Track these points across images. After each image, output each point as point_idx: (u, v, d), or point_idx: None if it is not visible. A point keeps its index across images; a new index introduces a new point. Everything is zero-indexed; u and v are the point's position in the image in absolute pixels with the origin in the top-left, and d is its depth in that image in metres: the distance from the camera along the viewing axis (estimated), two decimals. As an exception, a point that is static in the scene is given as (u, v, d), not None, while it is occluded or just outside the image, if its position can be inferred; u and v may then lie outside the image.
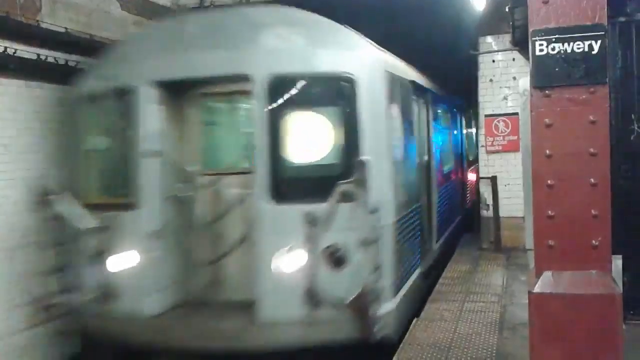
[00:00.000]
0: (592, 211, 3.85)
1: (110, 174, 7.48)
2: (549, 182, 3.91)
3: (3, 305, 7.47)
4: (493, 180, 11.77)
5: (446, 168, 12.41)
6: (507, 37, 11.58)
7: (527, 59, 4.51)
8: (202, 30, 6.95)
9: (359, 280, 6.02)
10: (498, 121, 11.85)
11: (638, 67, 6.24)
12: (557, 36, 3.89)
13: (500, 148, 11.90)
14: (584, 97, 3.88)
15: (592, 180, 3.85)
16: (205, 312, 6.82)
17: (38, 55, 7.85)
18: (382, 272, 6.27)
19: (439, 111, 11.87)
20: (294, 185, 6.62)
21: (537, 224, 3.99)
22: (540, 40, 3.93)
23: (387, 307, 6.51)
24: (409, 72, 8.89)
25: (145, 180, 6.86)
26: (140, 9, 10.02)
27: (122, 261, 6.79)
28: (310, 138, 6.67)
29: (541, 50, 3.93)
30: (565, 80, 3.90)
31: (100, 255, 6.76)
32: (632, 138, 6.29)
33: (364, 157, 6.14)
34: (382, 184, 6.53)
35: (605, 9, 3.86)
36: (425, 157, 9.63)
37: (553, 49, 3.91)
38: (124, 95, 7.01)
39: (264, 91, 6.48)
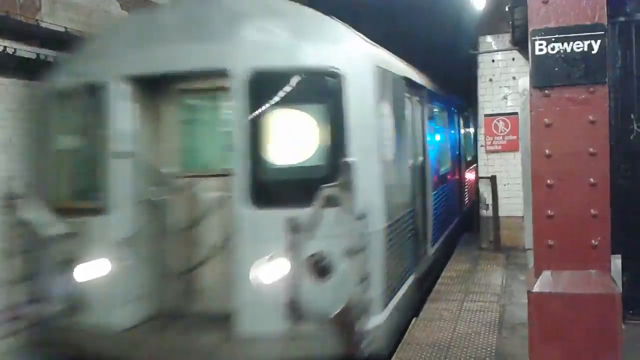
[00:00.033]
0: (592, 211, 3.86)
1: (80, 177, 6.99)
2: (548, 181, 3.92)
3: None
4: (492, 179, 11.79)
5: (443, 169, 12.01)
6: (507, 37, 11.58)
7: (527, 58, 4.52)
8: (178, 22, 6.53)
9: (345, 291, 5.66)
10: (498, 121, 11.87)
11: (637, 67, 6.25)
12: (556, 36, 3.90)
13: (500, 148, 11.92)
14: (583, 96, 3.88)
15: (592, 180, 3.86)
16: (180, 325, 6.41)
17: (37, 55, 7.84)
18: (371, 283, 5.87)
19: (436, 110, 11.47)
20: (275, 188, 6.24)
21: (537, 223, 3.99)
22: (539, 39, 3.93)
23: (376, 320, 6.07)
24: (402, 68, 8.45)
25: (116, 183, 6.45)
26: (140, 8, 10.01)
27: (91, 270, 6.38)
28: (293, 138, 6.27)
29: (541, 49, 3.94)
30: (564, 80, 3.90)
31: (68, 264, 6.36)
32: (631, 138, 6.29)
33: (349, 158, 5.76)
34: (371, 187, 6.12)
35: (605, 9, 3.87)
36: (420, 158, 9.19)
37: (553, 48, 3.91)
38: (94, 92, 6.59)
39: (243, 87, 6.07)
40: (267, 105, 6.19)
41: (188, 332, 6.26)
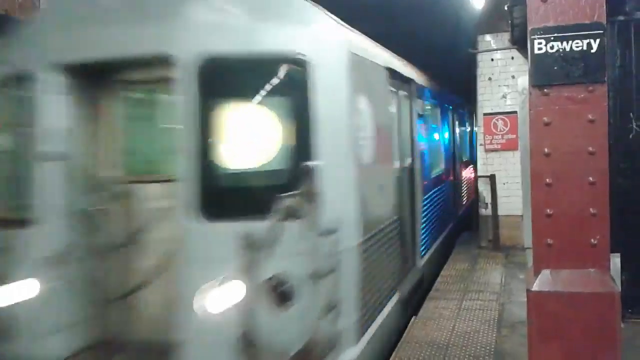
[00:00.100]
0: (591, 210, 3.86)
1: (3, 183, 6.00)
2: (547, 180, 3.93)
3: None
4: (492, 178, 11.81)
5: (436, 171, 10.89)
6: (506, 36, 11.61)
7: (526, 57, 4.52)
8: (117, 1, 5.60)
9: (310, 321, 4.77)
10: (497, 120, 11.90)
11: (636, 66, 6.26)
12: (555, 35, 3.90)
13: (499, 146, 11.95)
14: (582, 95, 3.89)
15: (591, 178, 3.86)
16: (119, 357, 5.67)
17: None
18: (342, 311, 5.01)
19: (428, 106, 10.30)
20: (228, 197, 5.36)
21: (536, 222, 4.00)
22: (539, 38, 3.94)
23: (350, 354, 5.18)
24: (385, 57, 7.42)
25: (45, 190, 5.57)
26: None
27: (16, 292, 5.41)
28: (250, 137, 5.35)
29: (540, 48, 3.94)
30: (563, 79, 3.91)
31: None
32: (630, 137, 6.31)
33: (313, 162, 4.91)
34: (343, 196, 5.19)
35: (604, 8, 3.87)
36: (409, 160, 8.22)
37: (552, 47, 3.92)
38: (21, 83, 5.70)
39: (190, 76, 5.14)
40: (219, 98, 5.33)
41: None
